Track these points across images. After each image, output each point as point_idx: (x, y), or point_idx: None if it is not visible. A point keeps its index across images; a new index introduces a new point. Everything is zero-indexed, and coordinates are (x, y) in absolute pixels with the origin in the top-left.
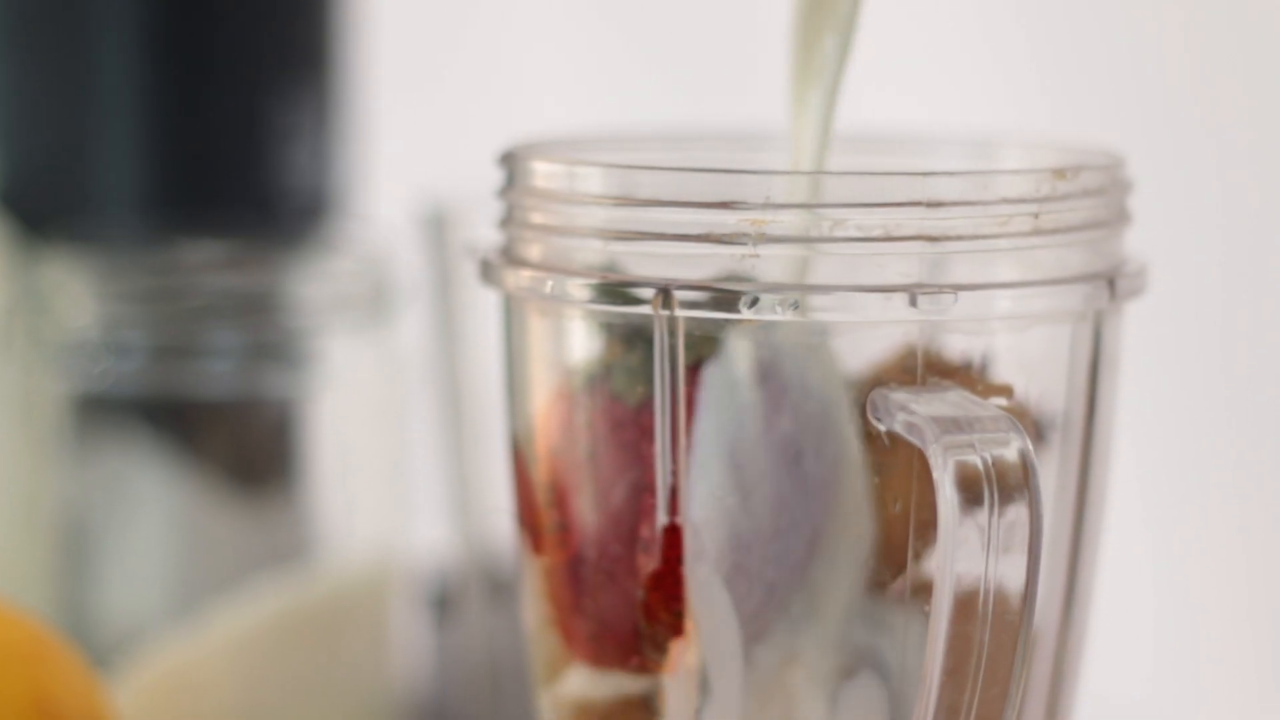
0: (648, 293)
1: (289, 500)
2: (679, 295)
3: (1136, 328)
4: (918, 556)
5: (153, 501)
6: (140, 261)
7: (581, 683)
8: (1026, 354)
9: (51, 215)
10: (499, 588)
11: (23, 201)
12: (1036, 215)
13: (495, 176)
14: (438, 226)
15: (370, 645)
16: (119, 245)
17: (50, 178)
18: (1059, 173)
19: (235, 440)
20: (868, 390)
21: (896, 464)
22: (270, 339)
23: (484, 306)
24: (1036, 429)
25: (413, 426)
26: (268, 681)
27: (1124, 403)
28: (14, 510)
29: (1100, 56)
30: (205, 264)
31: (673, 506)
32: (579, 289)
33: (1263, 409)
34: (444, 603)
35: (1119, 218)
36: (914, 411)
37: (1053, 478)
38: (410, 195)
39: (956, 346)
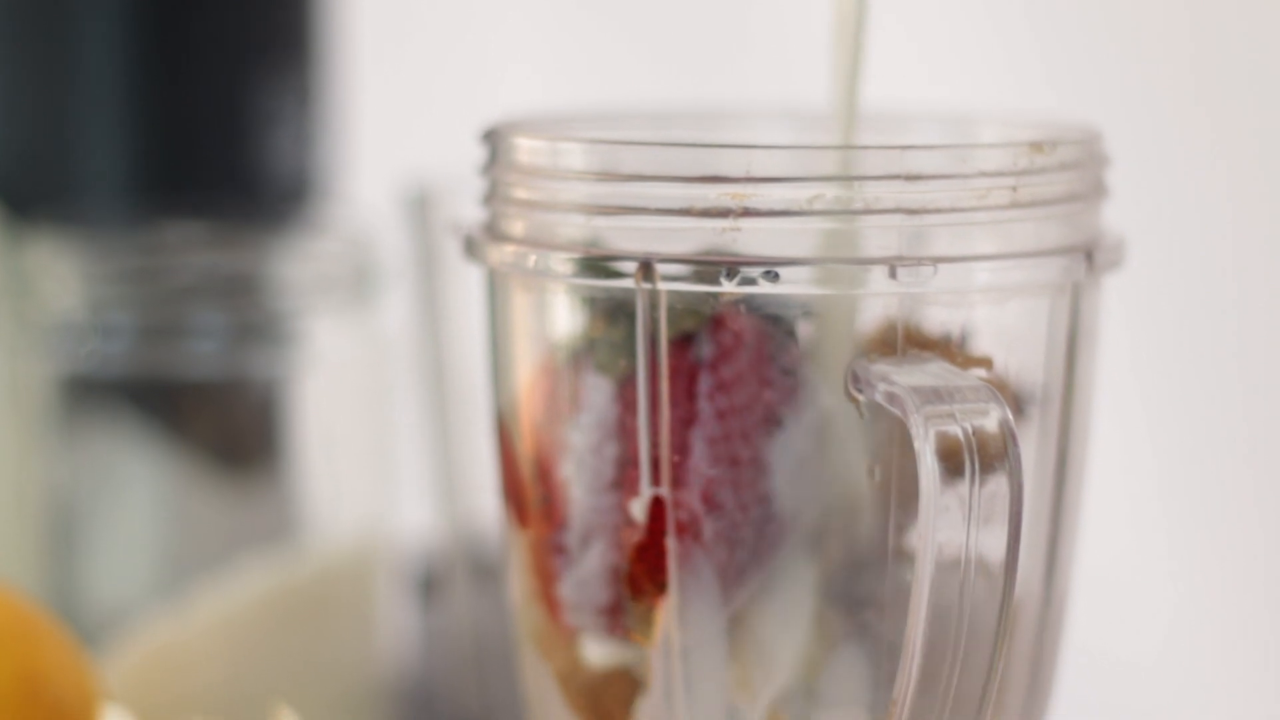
0: (630, 266)
1: (275, 481)
2: (661, 269)
3: (1115, 301)
4: (899, 527)
5: (139, 482)
6: (125, 243)
7: (567, 655)
8: (1005, 327)
9: (35, 201)
10: (484, 570)
11: (7, 186)
12: (1014, 188)
13: (477, 157)
14: (421, 207)
15: (356, 625)
16: (104, 228)
17: (34, 164)
18: (1036, 146)
19: (221, 421)
20: (848, 362)
21: (877, 435)
22: (255, 320)
23: (468, 287)
24: (1016, 402)
25: (397, 408)
26: (254, 661)
27: (1103, 376)
28: (1, 492)
29: (1078, 31)
30: (190, 245)
31: (656, 478)
32: (561, 263)
33: (1244, 381)
34: (430, 585)
35: (1096, 191)
36: (895, 382)
37: (1032, 451)
38: (393, 178)
39: (936, 320)
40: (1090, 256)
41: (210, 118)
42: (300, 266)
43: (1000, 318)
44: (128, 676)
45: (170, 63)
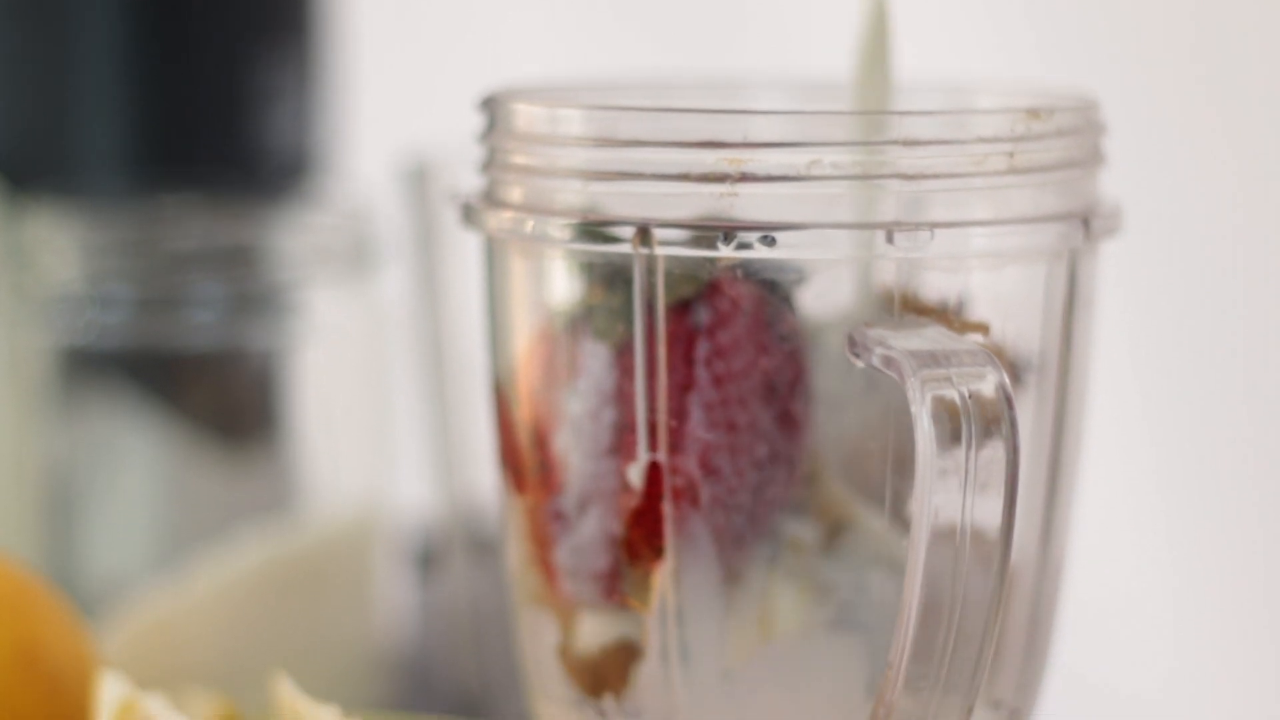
0: (627, 232)
1: (272, 453)
2: (658, 234)
3: (1111, 268)
4: (896, 493)
5: (137, 455)
6: (123, 215)
7: (564, 622)
8: (1002, 294)
9: (34, 176)
10: (482, 545)
11: (6, 162)
12: (1011, 154)
13: (476, 127)
14: (419, 180)
15: (353, 597)
16: (102, 201)
17: (33, 140)
18: (1033, 113)
19: (219, 393)
20: (845, 328)
21: (874, 401)
22: (253, 291)
23: (466, 260)
24: (1013, 370)
25: (396, 381)
26: (251, 633)
27: (1100, 345)
28: (0, 464)
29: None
30: (188, 217)
31: (653, 443)
32: (559, 229)
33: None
34: (428, 560)
35: (1093, 158)
36: (891, 346)
37: (1029, 418)
38: (392, 153)
39: (933, 287)
40: (1087, 223)
41: (209, 94)
42: (298, 238)
43: (997, 284)
44: (125, 648)
45: (170, 39)
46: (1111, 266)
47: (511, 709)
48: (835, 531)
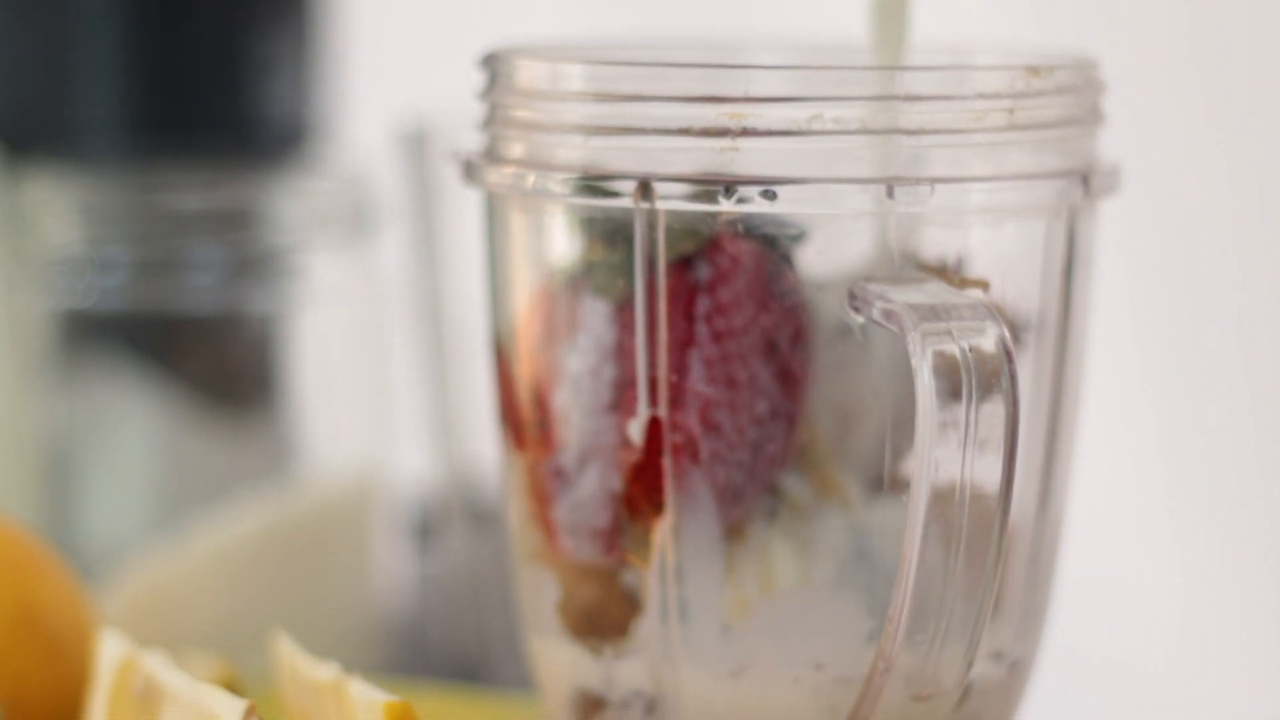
0: (628, 186)
1: (271, 418)
2: (659, 189)
3: (1111, 229)
4: (896, 450)
5: (136, 419)
6: (123, 179)
7: (564, 579)
8: (1001, 252)
9: (33, 146)
10: (481, 515)
11: (5, 131)
12: (1011, 111)
13: (477, 83)
14: (418, 143)
15: (351, 561)
16: (102, 166)
17: (32, 108)
18: (1033, 70)
19: (218, 358)
20: (845, 285)
21: (874, 358)
22: (251, 255)
23: (465, 224)
24: (1012, 329)
25: (394, 350)
26: (249, 597)
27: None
28: None
29: None
30: (187, 181)
31: (653, 399)
32: (560, 184)
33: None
34: (426, 532)
35: (1093, 117)
36: (892, 300)
37: (1028, 378)
38: (389, 119)
39: (932, 244)
40: (1086, 180)
41: (208, 62)
42: (297, 203)
43: (996, 242)
44: (124, 612)
45: (169, 6)
46: (1110, 227)
47: (510, 675)
48: (835, 490)
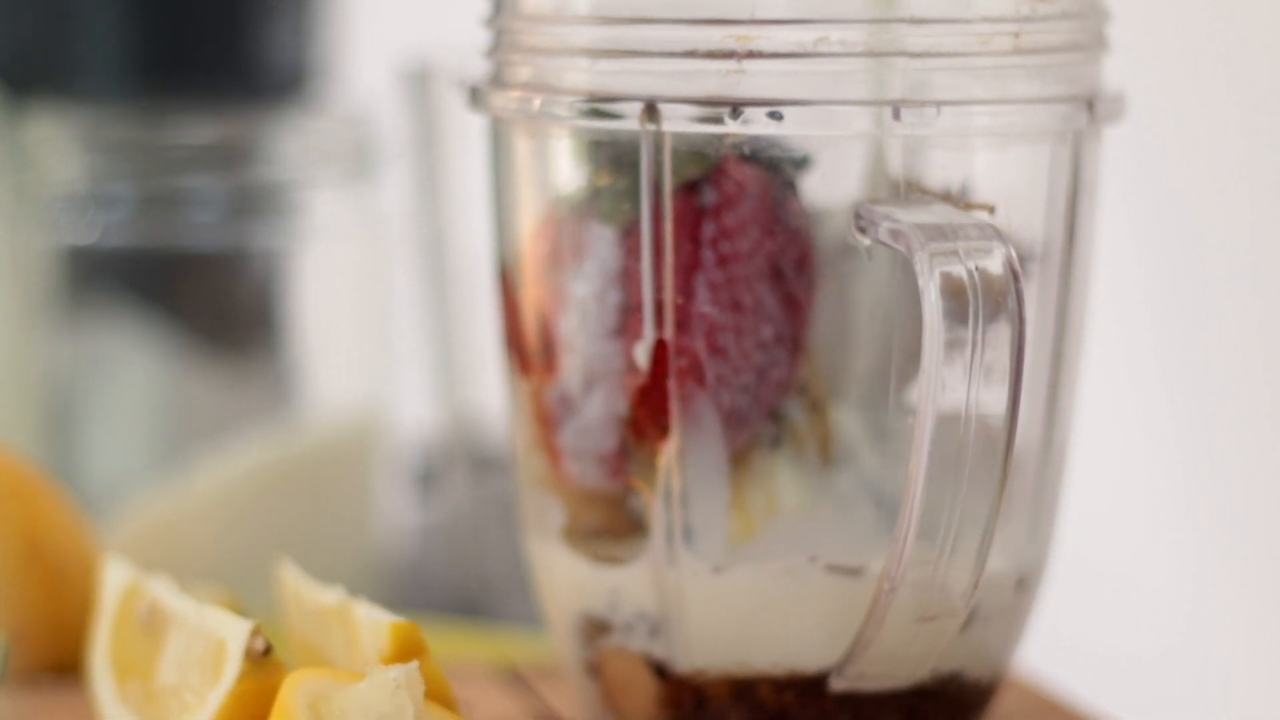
0: (634, 108)
1: (272, 356)
2: (664, 112)
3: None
4: (902, 374)
5: (138, 357)
6: (125, 115)
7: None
8: (1006, 180)
9: (35, 88)
10: (483, 463)
11: (7, 73)
12: (1017, 34)
13: (482, 12)
14: (421, 81)
15: (353, 499)
16: (104, 105)
17: (34, 52)
18: None
19: (220, 295)
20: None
21: (879, 281)
22: (253, 191)
23: (467, 162)
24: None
25: (397, 293)
26: (250, 534)
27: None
28: (2, 365)
29: None
30: (190, 117)
31: (659, 322)
32: (566, 107)
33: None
34: (429, 479)
35: (1097, 43)
36: (899, 220)
37: (1033, 307)
38: (391, 60)
39: (937, 171)
40: (1091, 106)
41: (209, 6)
42: (299, 139)
43: (1001, 168)
44: (125, 547)
45: None
46: (1116, 158)
47: (511, 615)
48: (840, 412)
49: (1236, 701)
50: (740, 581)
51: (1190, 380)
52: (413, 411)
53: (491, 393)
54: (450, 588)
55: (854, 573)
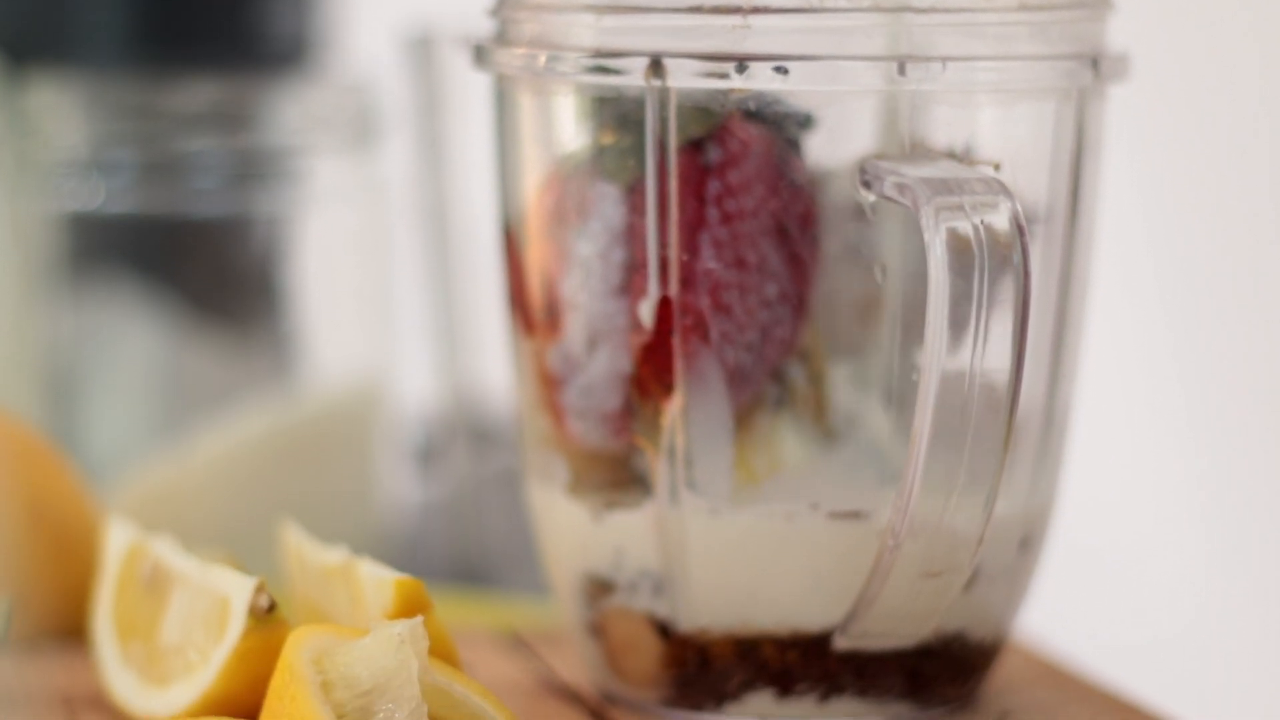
0: (639, 64)
1: (274, 324)
2: (670, 67)
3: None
4: (906, 331)
5: (140, 325)
6: (127, 82)
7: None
8: (1011, 137)
9: (35, 58)
10: (484, 436)
11: (8, 42)
12: None
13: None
14: (424, 48)
15: (355, 467)
16: (106, 72)
17: (36, 20)
18: None
19: (222, 262)
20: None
21: (883, 237)
22: (255, 157)
23: (470, 130)
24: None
25: (399, 260)
26: (251, 500)
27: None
28: (3, 333)
29: None
30: (191, 84)
31: (664, 280)
32: (571, 64)
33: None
34: (429, 454)
35: (1102, 1)
36: (904, 174)
37: (1037, 267)
38: (395, 26)
39: (942, 129)
40: (1096, 64)
41: None
42: (300, 106)
43: (1006, 126)
44: (126, 515)
45: None
46: (1120, 118)
47: (513, 583)
48: (845, 369)
49: (1246, 685)
50: (742, 526)
51: (1197, 345)
52: (414, 385)
53: (493, 365)
54: (451, 561)
55: (856, 516)
